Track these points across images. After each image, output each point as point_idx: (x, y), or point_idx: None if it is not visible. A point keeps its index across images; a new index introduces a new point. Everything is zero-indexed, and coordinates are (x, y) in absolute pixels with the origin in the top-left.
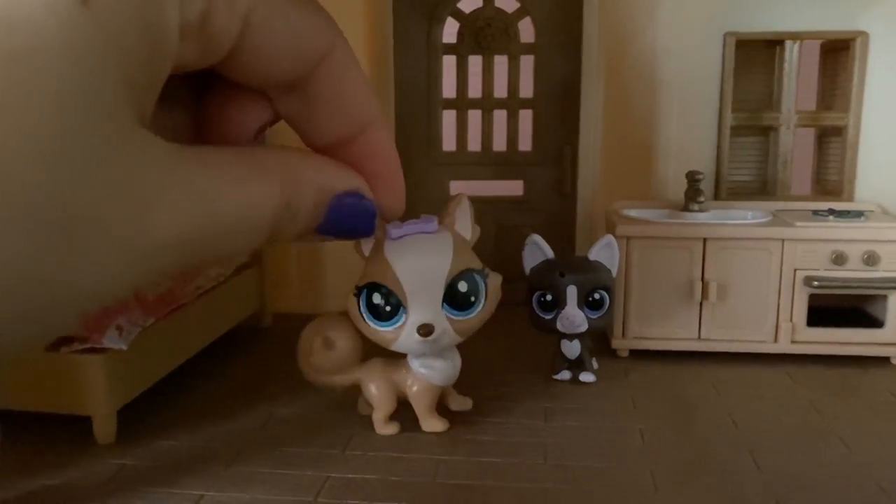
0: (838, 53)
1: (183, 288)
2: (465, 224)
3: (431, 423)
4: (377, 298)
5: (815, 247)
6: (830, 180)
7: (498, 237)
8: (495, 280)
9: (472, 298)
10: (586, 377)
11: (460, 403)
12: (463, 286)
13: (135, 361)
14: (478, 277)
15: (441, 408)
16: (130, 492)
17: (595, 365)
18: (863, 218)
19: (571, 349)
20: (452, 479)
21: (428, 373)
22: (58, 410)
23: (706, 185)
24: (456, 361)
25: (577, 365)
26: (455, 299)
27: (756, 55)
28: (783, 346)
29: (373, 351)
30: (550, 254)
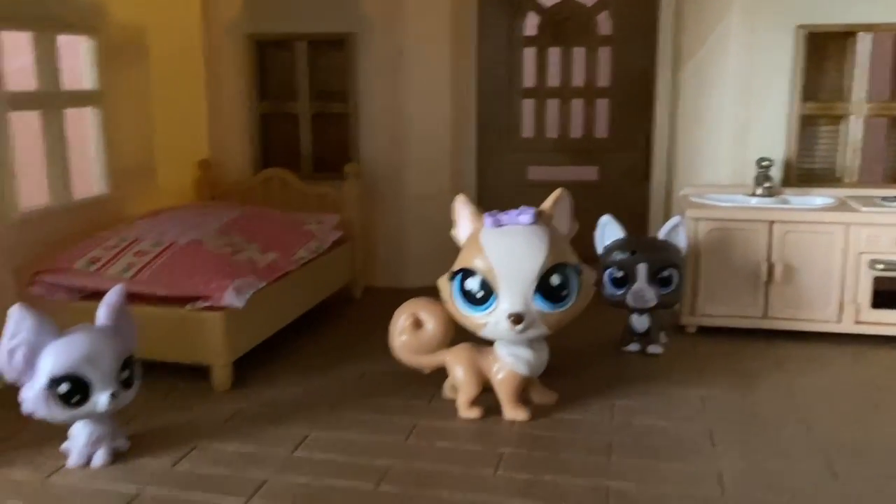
0: None
1: (288, 257)
2: (563, 219)
3: (514, 412)
4: (470, 284)
5: (879, 231)
6: None
7: None
8: (589, 276)
9: (564, 292)
10: (654, 349)
11: (544, 396)
12: (556, 279)
13: (249, 319)
14: (571, 272)
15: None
16: (246, 431)
17: (663, 339)
18: None
19: (640, 323)
20: (527, 428)
21: (514, 361)
22: (182, 360)
23: (777, 172)
24: (543, 354)
25: (646, 338)
26: (547, 292)
27: (828, 46)
28: (847, 327)
29: (462, 337)
30: (622, 233)
